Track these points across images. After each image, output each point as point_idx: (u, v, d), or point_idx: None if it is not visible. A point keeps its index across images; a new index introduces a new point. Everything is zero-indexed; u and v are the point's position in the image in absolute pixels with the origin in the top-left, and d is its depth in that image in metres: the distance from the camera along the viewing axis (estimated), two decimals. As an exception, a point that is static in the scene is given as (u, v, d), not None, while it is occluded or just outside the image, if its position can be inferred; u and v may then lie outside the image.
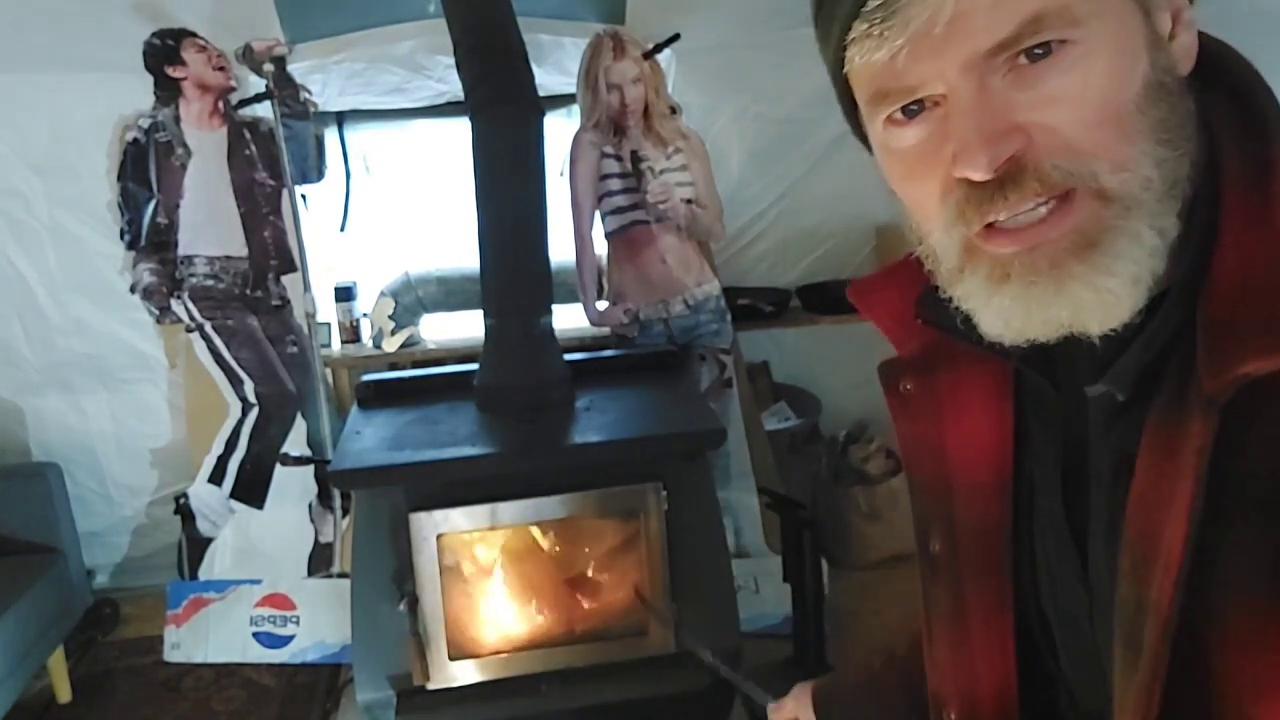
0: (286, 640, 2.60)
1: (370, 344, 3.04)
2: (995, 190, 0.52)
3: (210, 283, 2.73)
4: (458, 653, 1.91)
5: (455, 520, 1.89)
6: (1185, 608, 0.50)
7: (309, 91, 2.71)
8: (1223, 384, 0.48)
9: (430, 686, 1.89)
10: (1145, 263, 0.52)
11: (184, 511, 2.79)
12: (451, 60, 2.08)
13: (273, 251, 2.81)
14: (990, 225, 0.54)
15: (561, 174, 2.64)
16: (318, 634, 2.59)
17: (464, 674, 1.91)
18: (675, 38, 2.64)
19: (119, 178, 2.68)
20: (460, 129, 2.18)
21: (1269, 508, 0.48)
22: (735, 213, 3.01)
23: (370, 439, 1.95)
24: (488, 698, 1.91)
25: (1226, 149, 0.54)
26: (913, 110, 0.55)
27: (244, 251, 2.76)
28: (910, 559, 0.75)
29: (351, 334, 3.04)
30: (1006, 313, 0.55)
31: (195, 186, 2.69)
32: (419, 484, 1.89)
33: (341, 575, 2.64)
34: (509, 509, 1.91)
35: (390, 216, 3.22)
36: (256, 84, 2.67)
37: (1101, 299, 0.52)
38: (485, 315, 2.11)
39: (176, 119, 2.68)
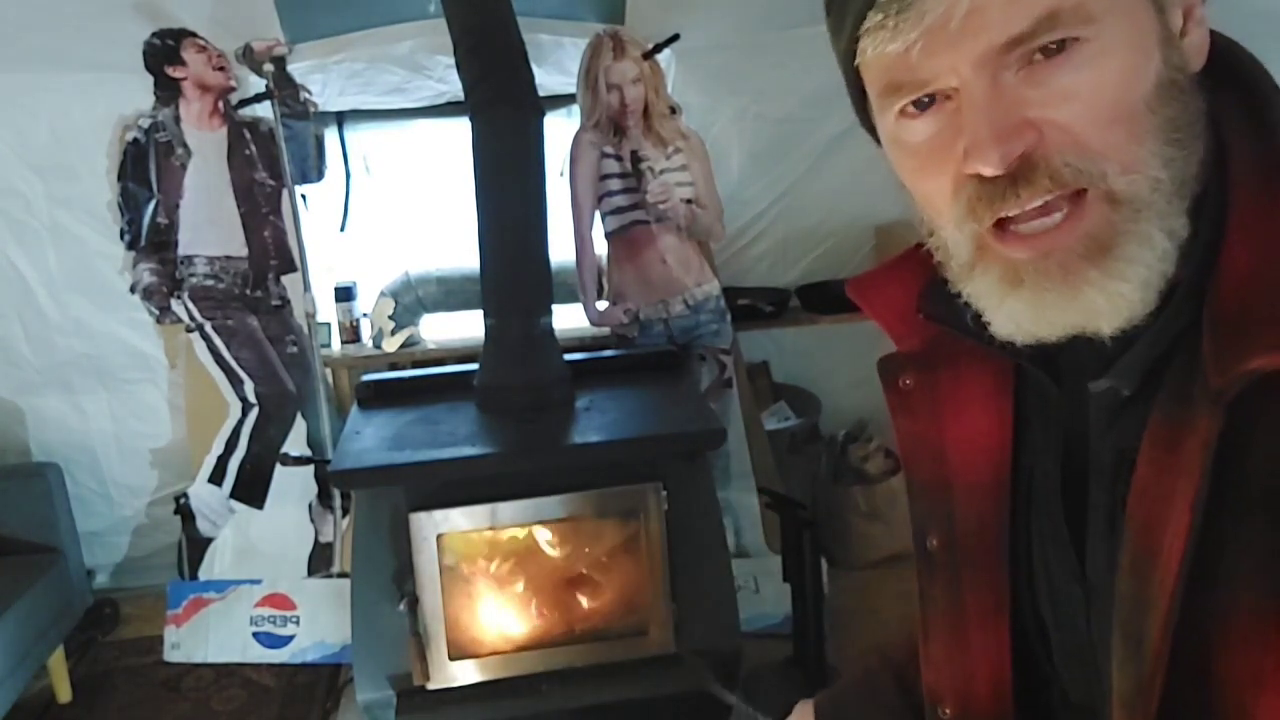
0: (286, 640, 2.60)
1: (370, 344, 3.04)
2: (1007, 186, 0.52)
3: (210, 283, 2.73)
4: (458, 653, 1.91)
5: (455, 520, 1.89)
6: (1186, 602, 0.50)
7: (309, 91, 2.71)
8: (1230, 379, 0.48)
9: (430, 686, 1.89)
10: (1156, 265, 0.52)
11: (184, 511, 2.79)
12: (451, 60, 2.08)
13: (273, 251, 2.81)
14: (1001, 222, 0.54)
15: (561, 174, 2.64)
16: (318, 634, 2.59)
17: (464, 674, 1.91)
18: (675, 38, 2.64)
19: (119, 178, 2.68)
20: (460, 129, 2.18)
21: (1272, 505, 0.48)
22: (735, 213, 3.01)
23: (370, 439, 1.95)
24: (488, 698, 1.91)
25: (1235, 147, 0.54)
26: (924, 103, 0.55)
27: (244, 251, 2.76)
28: (910, 558, 0.75)
29: (351, 334, 3.04)
30: (1018, 316, 0.55)
31: (195, 186, 2.69)
32: (419, 484, 1.89)
33: (341, 575, 2.64)
34: (509, 509, 1.91)
35: (390, 216, 3.22)
36: (256, 84, 2.67)
37: (1113, 303, 0.52)
38: (485, 315, 2.11)
39: (176, 119, 2.68)
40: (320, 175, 2.85)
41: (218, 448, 2.78)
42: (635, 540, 1.98)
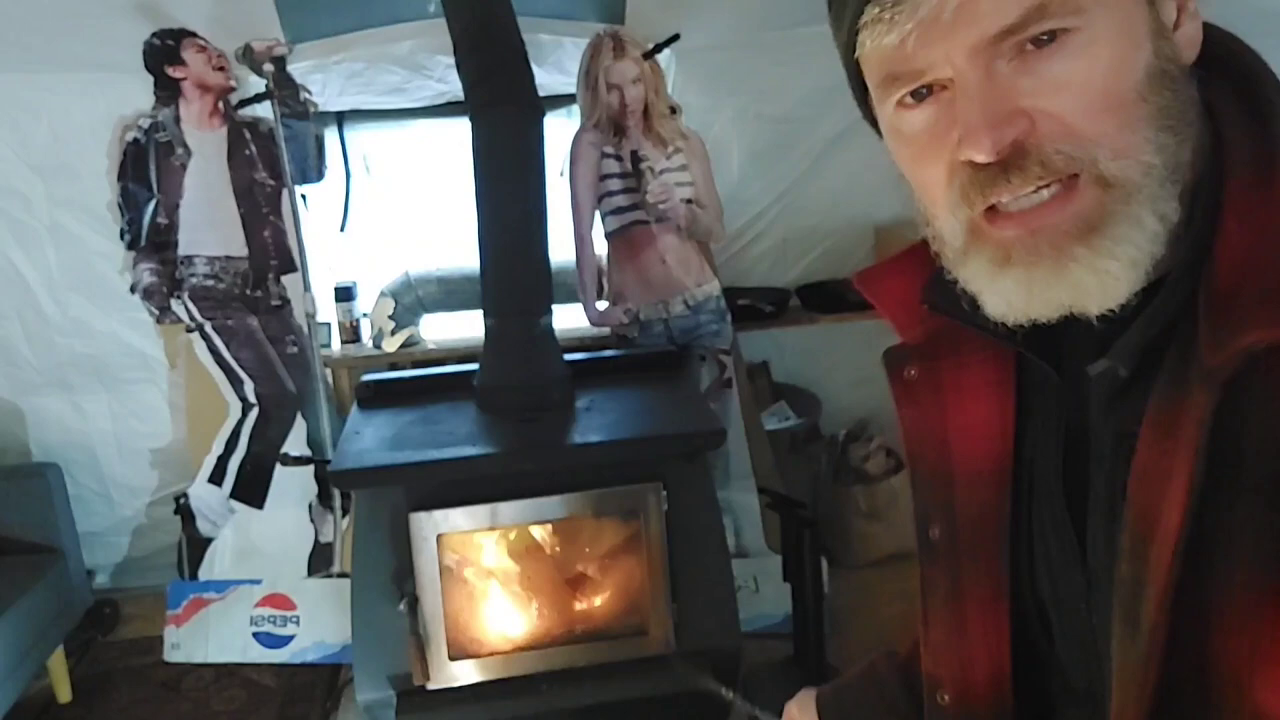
0: (286, 640, 2.60)
1: (370, 344, 3.04)
2: (998, 173, 0.54)
3: (210, 283, 2.73)
4: (458, 653, 1.91)
5: (455, 520, 1.89)
6: (1183, 582, 0.51)
7: (309, 91, 2.71)
8: (1224, 357, 0.49)
9: (430, 686, 1.89)
10: (1145, 247, 0.53)
11: (184, 511, 2.79)
12: (451, 60, 2.08)
13: (273, 251, 2.81)
14: (993, 208, 0.55)
15: (561, 174, 2.64)
16: (318, 634, 2.59)
17: (464, 674, 1.91)
18: (675, 38, 2.64)
19: (119, 178, 2.68)
20: (460, 129, 2.18)
21: (1268, 485, 0.49)
22: (735, 213, 3.01)
23: (370, 439, 1.95)
24: (488, 698, 1.91)
25: (1231, 136, 0.55)
26: (922, 94, 0.56)
27: (244, 251, 2.76)
28: (910, 557, 0.75)
29: (351, 334, 3.04)
30: (1009, 294, 0.56)
31: (195, 186, 2.69)
32: (419, 484, 1.89)
33: (341, 575, 2.64)
34: (509, 509, 1.91)
35: (390, 216, 3.22)
36: (256, 84, 2.67)
37: (1101, 281, 0.53)
38: (485, 315, 2.11)
39: (176, 119, 2.68)
40: (320, 175, 2.85)
41: (218, 448, 2.78)
42: (635, 540, 1.98)
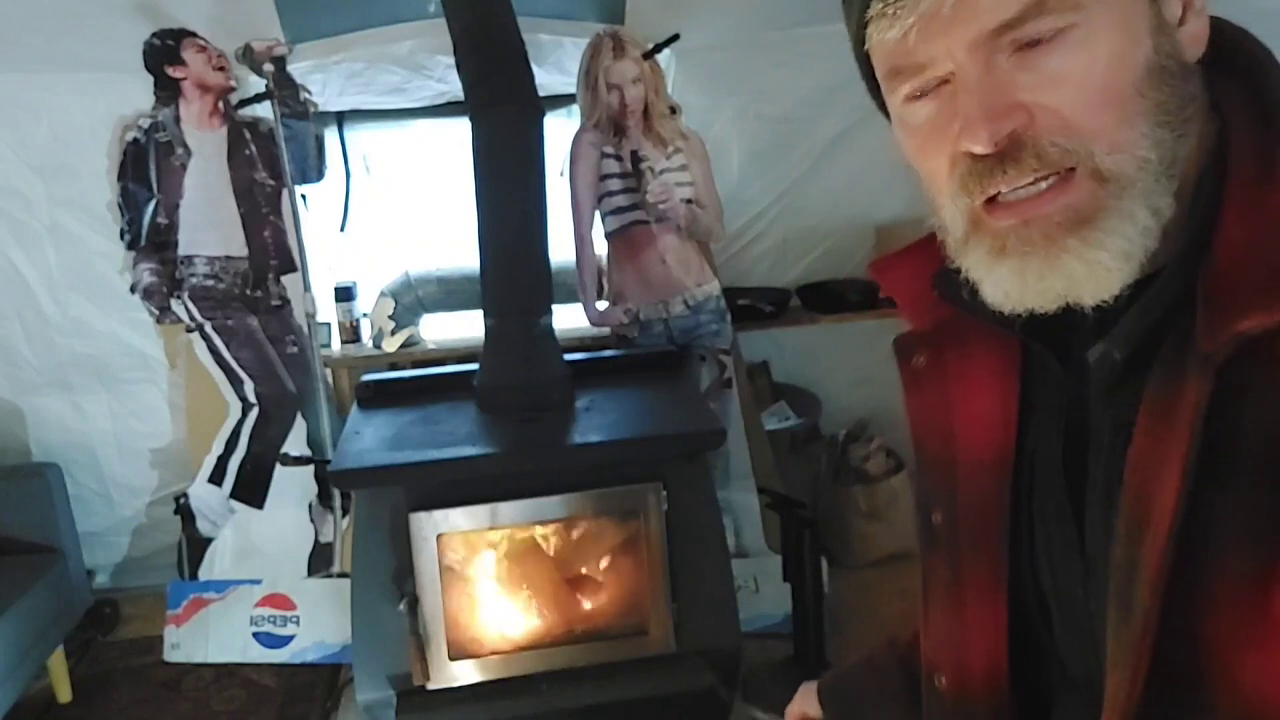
0: (286, 640, 2.60)
1: (370, 344, 3.04)
2: (995, 165, 0.55)
3: (210, 283, 2.73)
4: (458, 653, 1.91)
5: (455, 520, 1.89)
6: (1177, 566, 0.52)
7: (309, 91, 2.71)
8: (1219, 342, 0.50)
9: (430, 686, 1.89)
10: (1137, 240, 0.54)
11: (184, 511, 2.79)
12: (451, 60, 2.08)
13: (273, 251, 2.81)
14: (993, 199, 0.56)
15: (561, 174, 2.64)
16: (318, 634, 2.59)
17: (464, 674, 1.91)
18: (675, 38, 2.64)
19: (119, 178, 2.68)
20: (460, 129, 2.18)
21: (1260, 471, 0.50)
22: (735, 213, 3.01)
23: (370, 439, 1.95)
24: (488, 698, 1.91)
25: (1235, 130, 0.55)
26: (927, 88, 0.58)
27: (244, 251, 2.76)
28: (910, 558, 0.76)
29: (351, 334, 3.04)
30: (1005, 284, 0.58)
31: (195, 186, 2.69)
32: (419, 484, 1.89)
33: (341, 575, 2.64)
34: (509, 509, 1.91)
35: (390, 216, 3.22)
36: (256, 84, 2.67)
37: (1092, 272, 0.55)
38: (485, 315, 2.11)
39: (176, 119, 2.68)
40: (320, 175, 2.85)
41: (218, 448, 2.78)
42: (635, 540, 1.98)
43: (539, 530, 2.03)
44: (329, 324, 3.05)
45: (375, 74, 2.86)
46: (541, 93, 2.11)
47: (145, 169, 2.66)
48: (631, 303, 2.59)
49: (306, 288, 2.70)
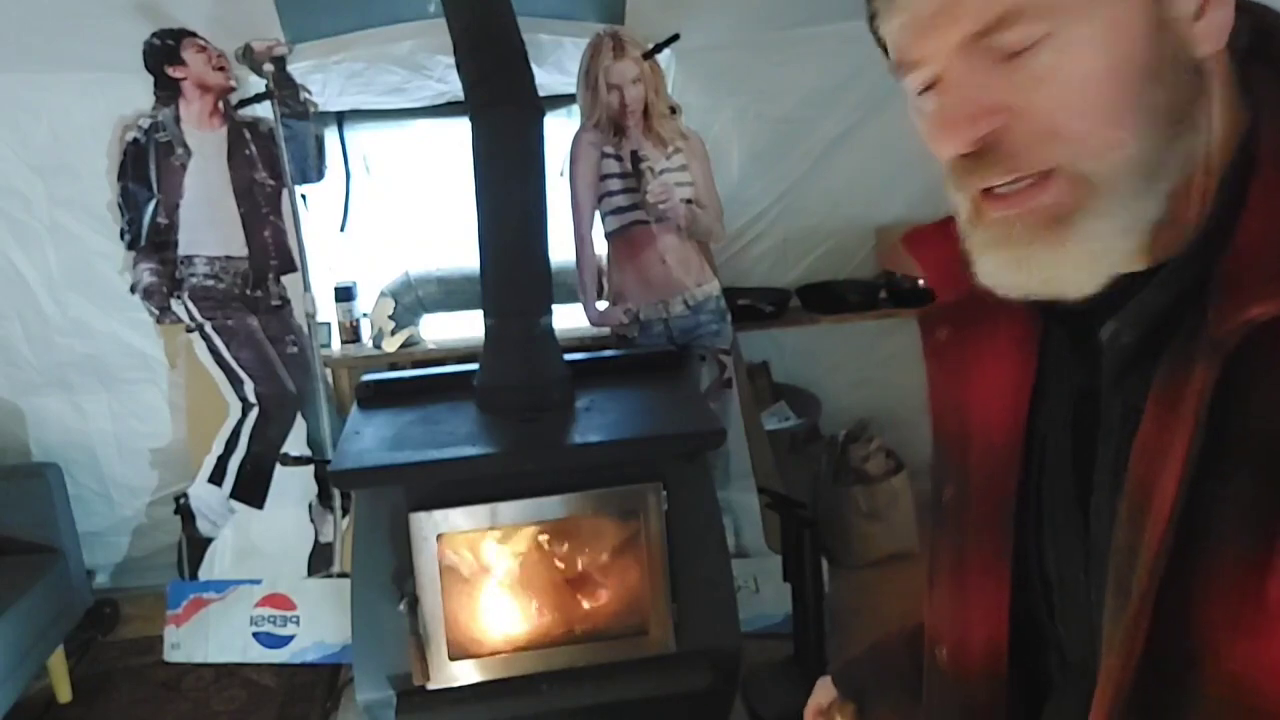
0: (286, 640, 2.60)
1: (370, 344, 3.04)
2: (975, 163, 0.57)
3: (210, 283, 2.73)
4: (458, 653, 1.91)
5: (455, 520, 1.89)
6: (1175, 552, 0.52)
7: (309, 91, 2.71)
8: (1229, 328, 0.50)
9: (430, 686, 1.89)
10: (1114, 240, 0.55)
11: (184, 511, 2.79)
12: (451, 60, 2.08)
13: (273, 251, 2.81)
14: (990, 189, 0.57)
15: (561, 174, 2.64)
16: (318, 634, 2.60)
17: (464, 674, 1.91)
18: (675, 38, 2.64)
19: (119, 178, 2.68)
20: (460, 129, 2.18)
21: (1261, 460, 0.50)
22: (735, 213, 3.01)
23: (370, 439, 1.95)
24: (488, 698, 1.91)
25: (1267, 120, 0.55)
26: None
27: (244, 251, 2.76)
28: (909, 557, 0.76)
29: (351, 334, 3.04)
30: (990, 272, 0.60)
31: (195, 186, 2.69)
32: (419, 484, 1.89)
33: (341, 575, 2.64)
34: (509, 509, 1.91)
35: (390, 216, 3.22)
36: (256, 84, 2.67)
37: (1062, 273, 0.56)
38: (485, 315, 2.11)
39: (176, 119, 2.68)
40: (320, 175, 2.85)
41: (218, 448, 2.78)
42: (635, 540, 1.98)
43: (539, 530, 2.03)
44: (329, 324, 3.05)
45: (375, 74, 2.87)
46: (541, 93, 2.11)
47: (145, 169, 2.66)
48: (631, 303, 2.59)
49: (306, 288, 2.70)
